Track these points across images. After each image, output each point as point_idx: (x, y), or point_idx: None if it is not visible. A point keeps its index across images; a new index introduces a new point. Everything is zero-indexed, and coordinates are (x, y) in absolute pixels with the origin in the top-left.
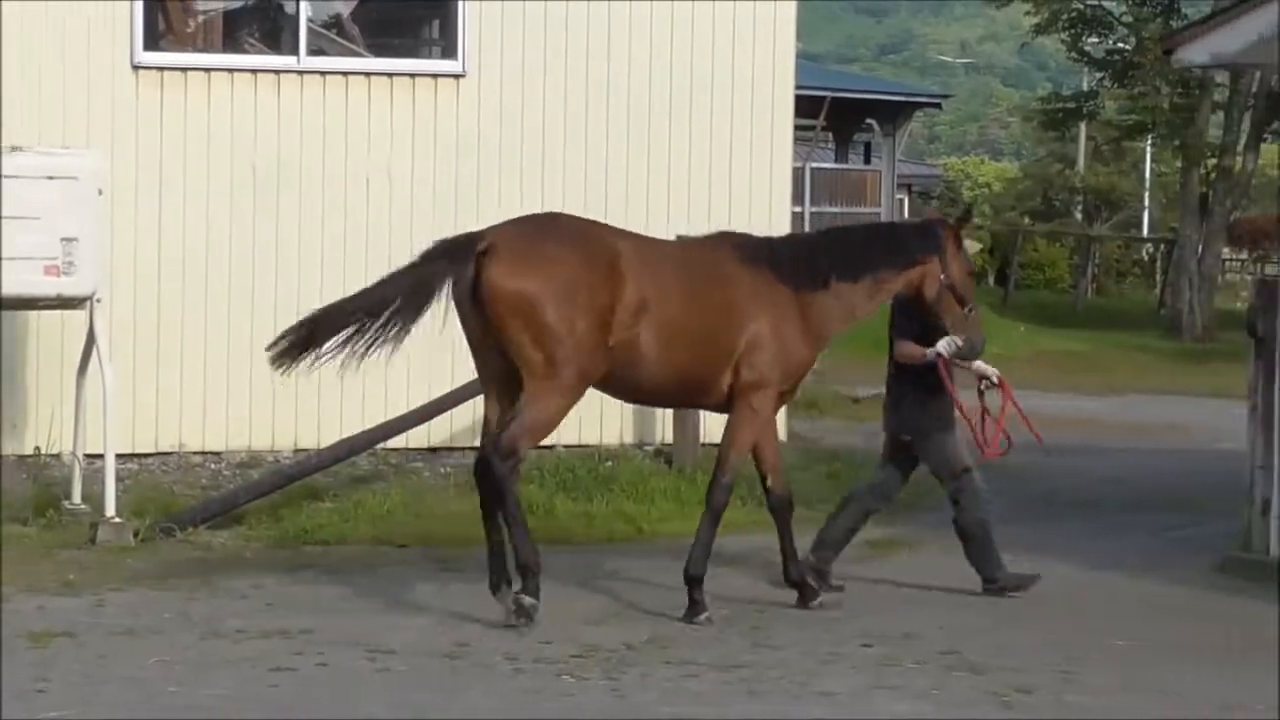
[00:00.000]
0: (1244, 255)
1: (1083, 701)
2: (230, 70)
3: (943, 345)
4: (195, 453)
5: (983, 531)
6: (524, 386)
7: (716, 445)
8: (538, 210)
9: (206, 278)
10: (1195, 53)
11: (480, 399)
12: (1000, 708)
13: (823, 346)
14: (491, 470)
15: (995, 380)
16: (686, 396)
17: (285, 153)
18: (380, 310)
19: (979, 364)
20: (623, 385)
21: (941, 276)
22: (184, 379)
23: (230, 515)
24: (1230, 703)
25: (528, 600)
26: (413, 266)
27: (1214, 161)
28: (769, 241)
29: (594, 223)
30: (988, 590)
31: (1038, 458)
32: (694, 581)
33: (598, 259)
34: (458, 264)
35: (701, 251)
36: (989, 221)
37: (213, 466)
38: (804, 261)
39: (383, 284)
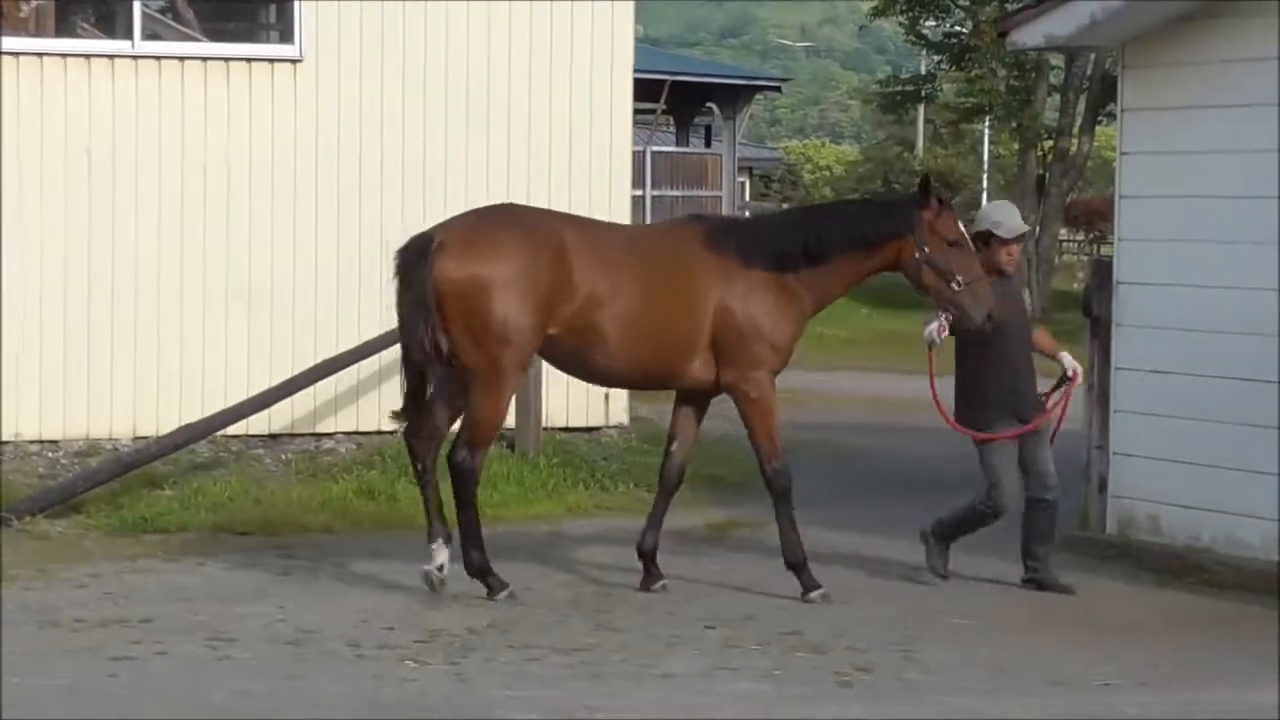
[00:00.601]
0: (1080, 236)
1: (923, 679)
2: (63, 55)
3: (929, 328)
4: (32, 441)
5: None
6: (468, 383)
7: (559, 429)
8: (375, 197)
9: (41, 264)
10: (1029, 35)
11: (319, 385)
12: (841, 687)
13: (802, 323)
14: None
15: (1069, 374)
16: (652, 381)
17: (121, 139)
18: (412, 331)
19: (1064, 356)
20: (583, 370)
21: (917, 254)
22: (19, 366)
23: (68, 504)
24: (1068, 678)
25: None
26: (403, 286)
27: (1050, 144)
28: (736, 223)
29: (546, 212)
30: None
31: (871, 438)
32: (797, 567)
33: (542, 247)
34: (422, 263)
35: (663, 236)
36: None
37: (50, 455)
38: (772, 242)
39: (400, 308)
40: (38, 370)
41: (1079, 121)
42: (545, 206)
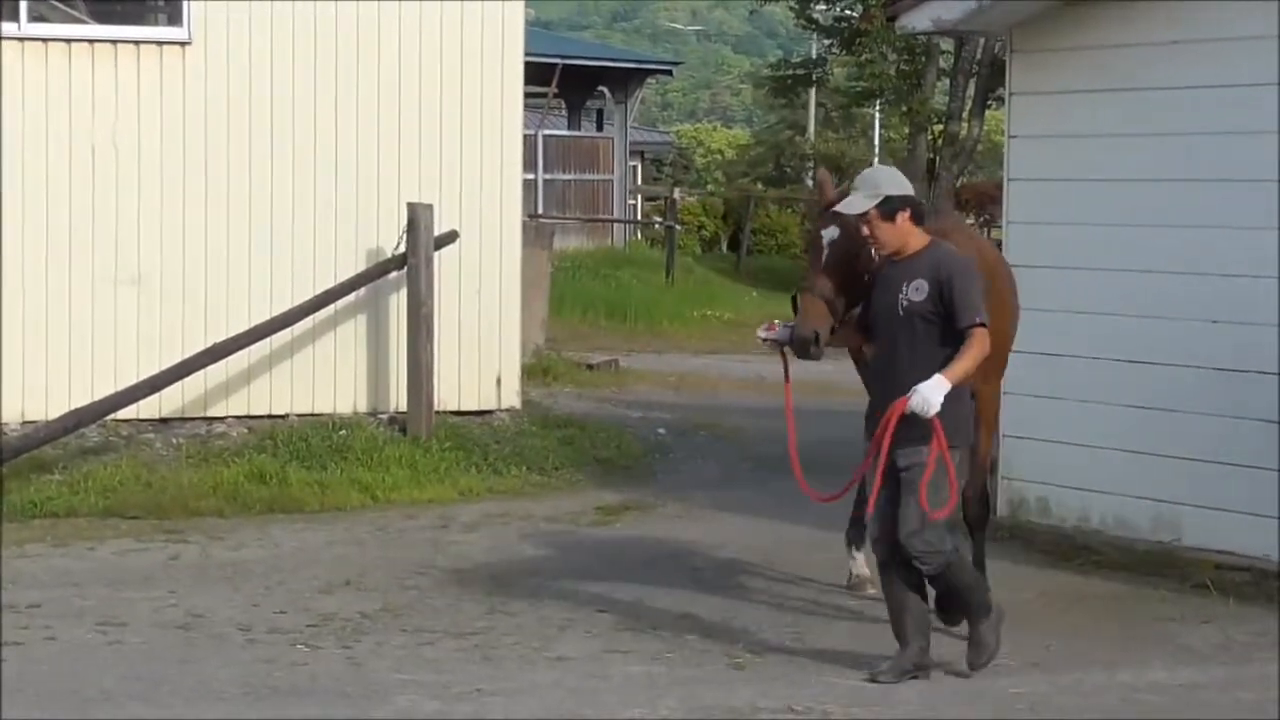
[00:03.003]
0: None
1: (813, 662)
2: None
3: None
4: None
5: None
6: None
7: (451, 413)
8: (265, 181)
9: None
10: (917, 19)
11: (210, 369)
12: (732, 669)
13: None
14: None
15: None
16: None
17: (8, 122)
18: None
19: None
20: None
21: None
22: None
23: None
24: (953, 659)
25: None
26: None
27: (940, 128)
28: None
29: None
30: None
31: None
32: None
33: None
34: None
35: None
36: (721, 189)
37: None
38: None
39: None
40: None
41: (969, 106)
42: (437, 192)
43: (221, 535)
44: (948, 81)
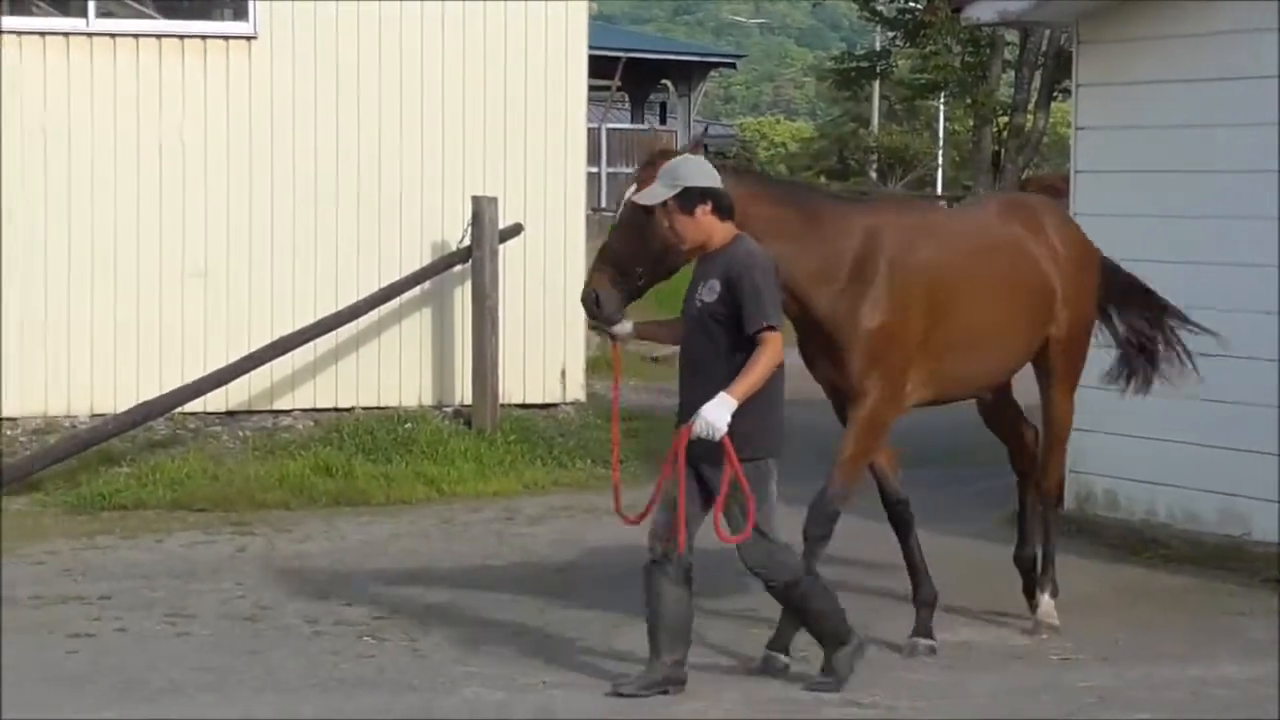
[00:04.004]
0: None
1: (879, 655)
2: (17, 33)
3: None
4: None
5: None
6: None
7: (516, 406)
8: (331, 173)
9: None
10: (982, 10)
11: (276, 362)
12: (797, 662)
13: None
14: None
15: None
16: None
17: (76, 117)
18: None
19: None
20: None
21: None
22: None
23: (26, 481)
24: (1025, 652)
25: None
26: None
27: (1005, 120)
28: None
29: None
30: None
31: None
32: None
33: None
34: None
35: None
36: None
37: (8, 433)
38: None
39: None
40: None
41: (1034, 97)
42: (501, 185)
43: (288, 528)
44: (1013, 73)
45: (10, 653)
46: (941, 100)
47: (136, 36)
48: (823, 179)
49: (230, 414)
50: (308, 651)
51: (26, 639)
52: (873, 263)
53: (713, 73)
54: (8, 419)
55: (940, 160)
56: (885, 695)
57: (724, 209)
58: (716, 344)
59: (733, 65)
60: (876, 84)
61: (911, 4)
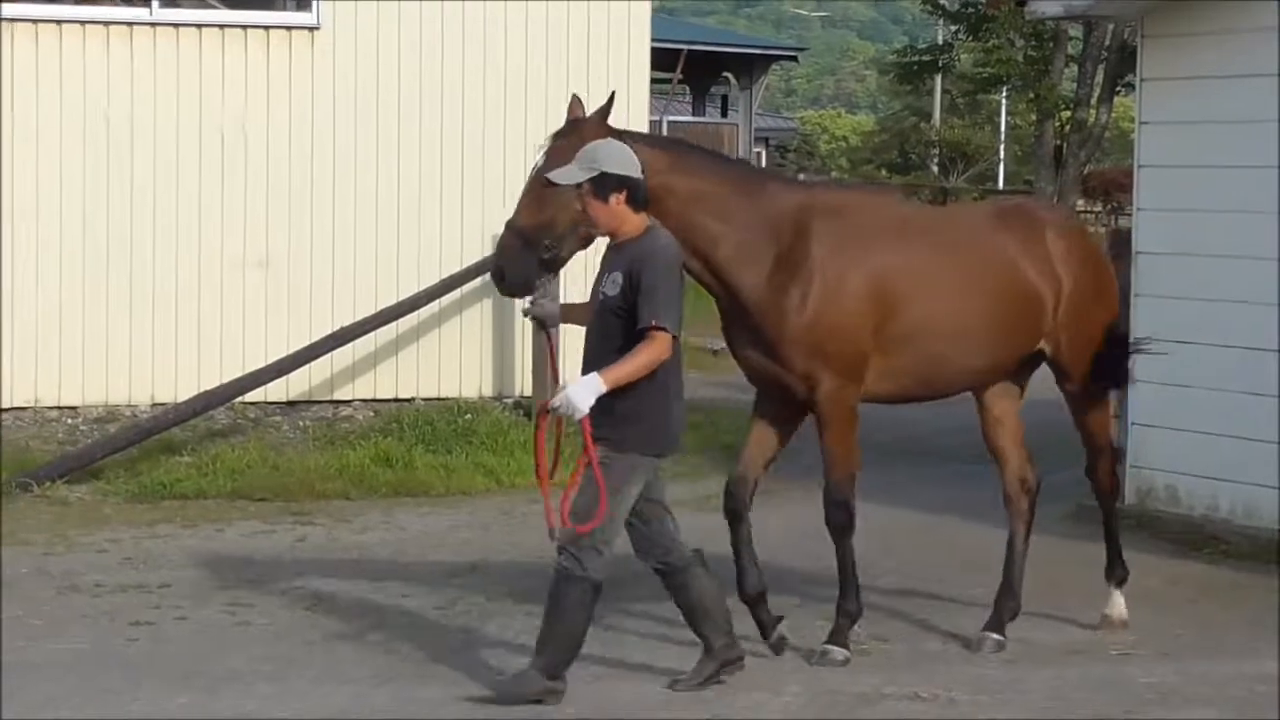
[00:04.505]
0: (1098, 207)
1: (939, 649)
2: (82, 22)
3: None
4: (51, 407)
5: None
6: None
7: None
8: (392, 164)
9: (61, 231)
10: (1048, 4)
11: (336, 353)
12: (856, 654)
13: None
14: None
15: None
16: None
17: (139, 106)
18: None
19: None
20: None
21: None
22: (39, 333)
23: (87, 470)
24: (1085, 647)
25: None
26: None
27: (1068, 114)
28: None
29: None
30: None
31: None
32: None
33: None
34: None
35: None
36: (846, 175)
37: (69, 421)
38: None
39: None
40: (57, 337)
41: (1097, 92)
42: None
43: (348, 518)
44: (1076, 67)
45: (72, 640)
46: (1004, 94)
47: (199, 26)
48: (884, 173)
49: (290, 404)
50: (367, 642)
51: (88, 626)
52: (803, 249)
53: (774, 66)
54: (69, 407)
55: (1002, 155)
56: (944, 688)
57: (638, 199)
58: (613, 338)
59: (794, 58)
60: (938, 78)
61: None
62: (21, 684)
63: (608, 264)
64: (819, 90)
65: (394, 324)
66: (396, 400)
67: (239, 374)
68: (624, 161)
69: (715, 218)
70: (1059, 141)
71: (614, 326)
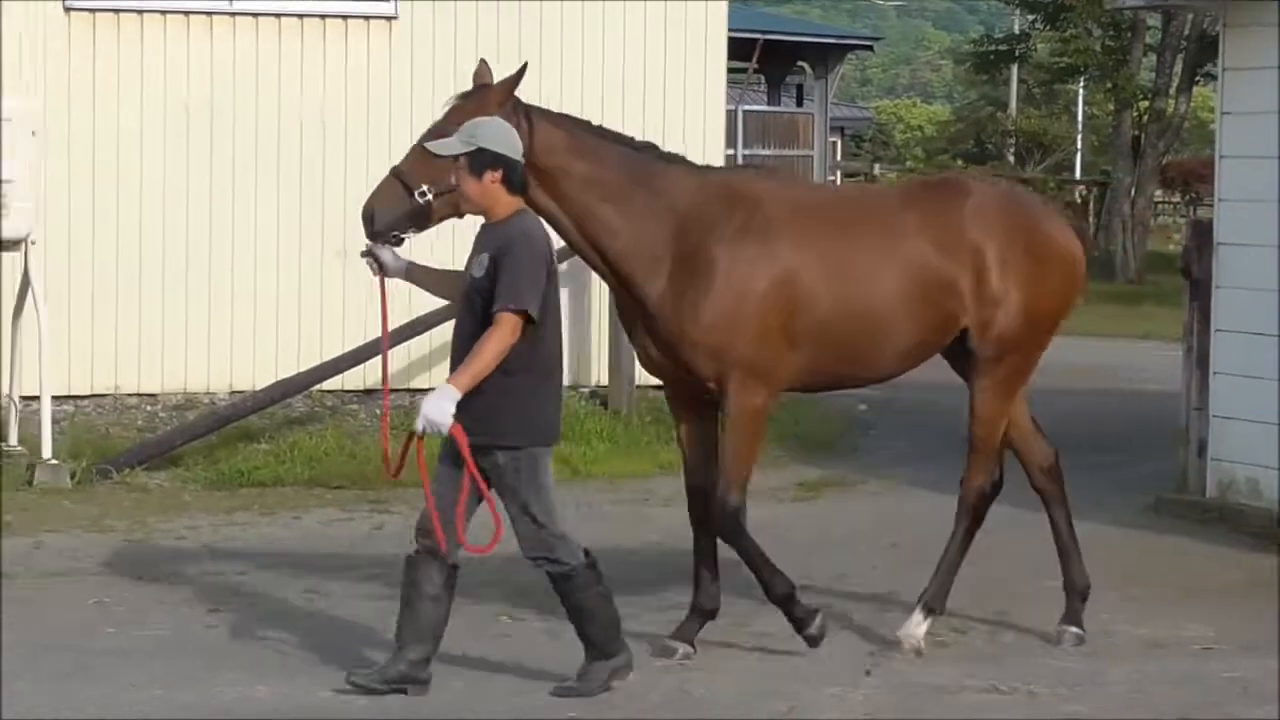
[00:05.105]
0: (1176, 198)
1: (1018, 641)
2: (162, 12)
3: None
4: (131, 395)
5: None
6: None
7: (652, 388)
8: None
9: (140, 220)
10: None
11: (413, 341)
12: (935, 646)
13: None
14: None
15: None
16: None
17: (218, 96)
18: None
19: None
20: None
21: None
22: (119, 321)
23: (166, 457)
24: (1166, 641)
25: None
26: None
27: (1146, 104)
28: None
29: None
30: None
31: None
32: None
33: None
34: None
35: None
36: (921, 165)
37: (148, 408)
38: None
39: None
40: (137, 325)
41: (1175, 82)
42: None
43: (422, 505)
44: (1154, 57)
45: (153, 627)
46: (1081, 84)
47: (278, 16)
48: (959, 163)
49: (367, 392)
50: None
51: (167, 613)
52: (705, 246)
53: (849, 55)
54: (149, 395)
55: (1079, 145)
56: (1024, 681)
57: (514, 182)
58: (479, 321)
59: (870, 48)
60: (1015, 67)
61: None
62: (106, 670)
63: (478, 245)
64: (894, 80)
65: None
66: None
67: (316, 362)
68: (504, 140)
69: (613, 206)
70: (1137, 131)
71: (480, 308)
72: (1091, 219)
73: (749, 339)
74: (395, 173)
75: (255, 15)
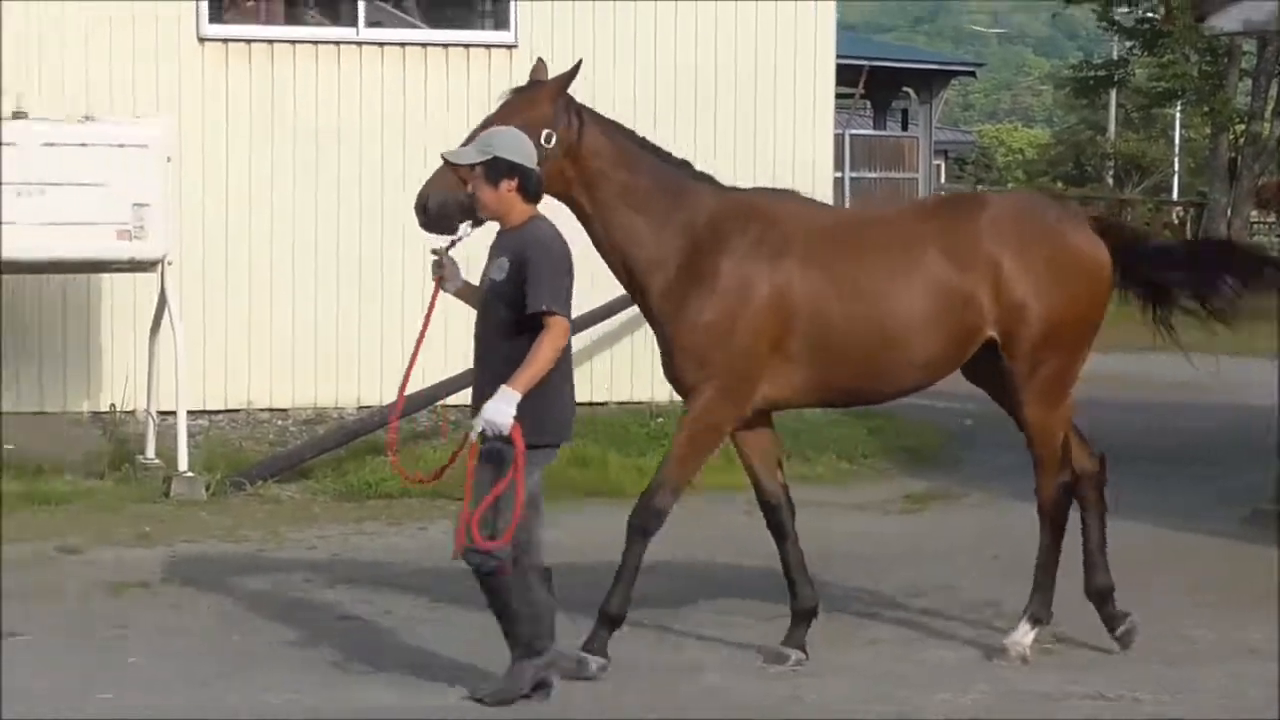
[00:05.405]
0: (1271, 218)
1: (1120, 651)
2: (292, 42)
3: None
4: (263, 410)
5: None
6: None
7: None
8: None
9: (271, 241)
10: (1225, 20)
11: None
12: (1040, 653)
13: None
14: None
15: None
16: None
17: (345, 121)
18: None
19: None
20: None
21: None
22: (252, 339)
23: (297, 470)
24: (1256, 647)
25: None
26: None
27: (1242, 127)
28: None
29: None
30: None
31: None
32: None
33: None
34: None
35: None
36: (1023, 186)
37: (280, 423)
38: None
39: None
40: (268, 342)
41: (1271, 105)
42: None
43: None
44: (1249, 82)
45: (285, 632)
46: (1178, 108)
47: (403, 45)
48: (1059, 185)
49: None
50: (561, 636)
51: (300, 620)
52: (711, 258)
53: (953, 81)
54: (280, 410)
55: (1176, 167)
56: (1128, 688)
57: (530, 190)
58: (501, 324)
59: (972, 74)
60: (1113, 92)
61: (1149, 14)
62: (244, 675)
63: (494, 250)
64: (996, 104)
65: (588, 330)
66: (590, 404)
67: (441, 378)
68: (519, 149)
69: (643, 215)
70: (1233, 154)
71: (501, 311)
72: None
73: (735, 350)
74: (447, 161)
75: (381, 45)
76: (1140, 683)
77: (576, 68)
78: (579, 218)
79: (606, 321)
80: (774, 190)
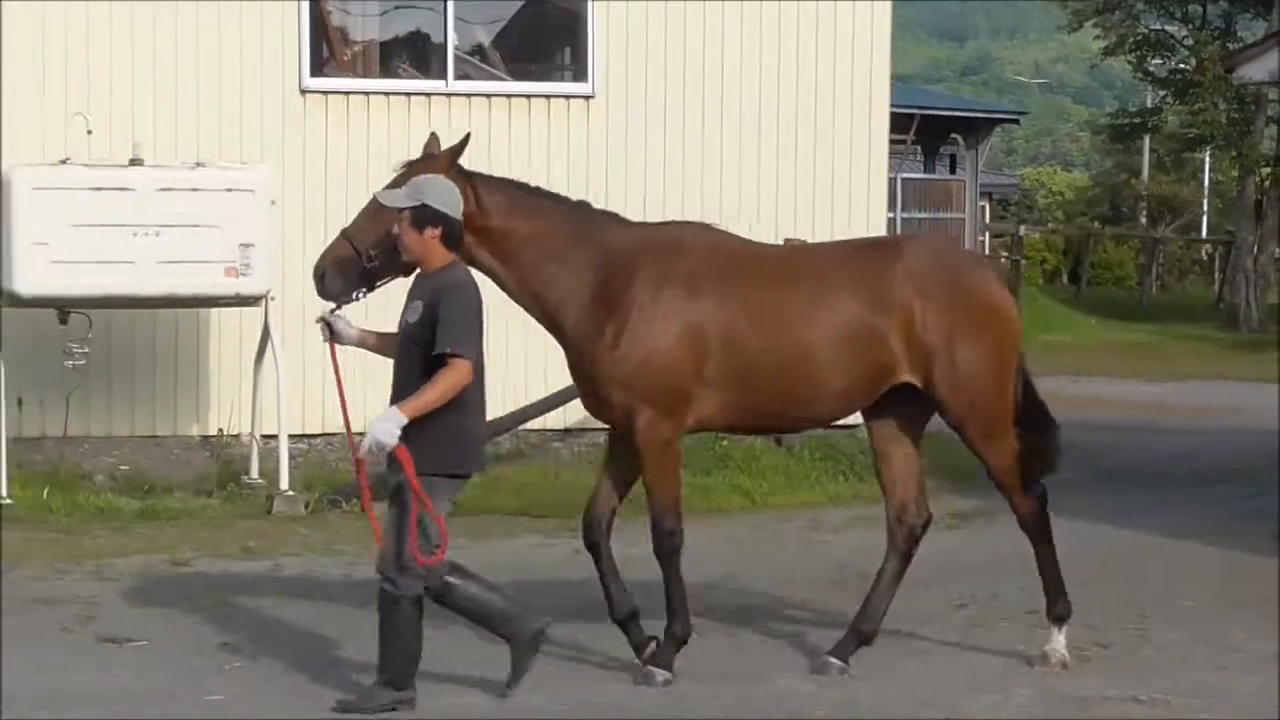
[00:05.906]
0: None
1: (1156, 655)
2: (386, 94)
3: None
4: (358, 433)
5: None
6: None
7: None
8: (659, 218)
9: None
10: (1254, 70)
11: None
12: (1080, 660)
13: None
14: None
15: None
16: None
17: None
18: None
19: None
20: None
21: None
22: (348, 367)
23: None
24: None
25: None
26: None
27: (1268, 170)
28: None
29: None
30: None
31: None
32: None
33: None
34: None
35: None
36: (1063, 226)
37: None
38: None
39: None
40: (363, 370)
41: None
42: (810, 228)
43: (619, 532)
44: (1275, 128)
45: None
46: (1208, 153)
47: (489, 96)
48: (1097, 224)
49: (567, 431)
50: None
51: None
52: (626, 290)
53: (997, 128)
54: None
55: (1206, 207)
56: (1162, 692)
57: (452, 238)
58: (414, 364)
59: (1016, 121)
60: (1147, 138)
61: (1181, 65)
62: (335, 681)
63: (412, 294)
64: (1037, 149)
65: None
66: None
67: (522, 404)
68: (447, 200)
69: (553, 261)
70: (1259, 196)
71: (414, 354)
72: (1217, 274)
73: (657, 376)
74: (346, 235)
75: (469, 95)
76: (1175, 687)
77: (465, 140)
78: (488, 275)
79: None
80: (686, 222)
